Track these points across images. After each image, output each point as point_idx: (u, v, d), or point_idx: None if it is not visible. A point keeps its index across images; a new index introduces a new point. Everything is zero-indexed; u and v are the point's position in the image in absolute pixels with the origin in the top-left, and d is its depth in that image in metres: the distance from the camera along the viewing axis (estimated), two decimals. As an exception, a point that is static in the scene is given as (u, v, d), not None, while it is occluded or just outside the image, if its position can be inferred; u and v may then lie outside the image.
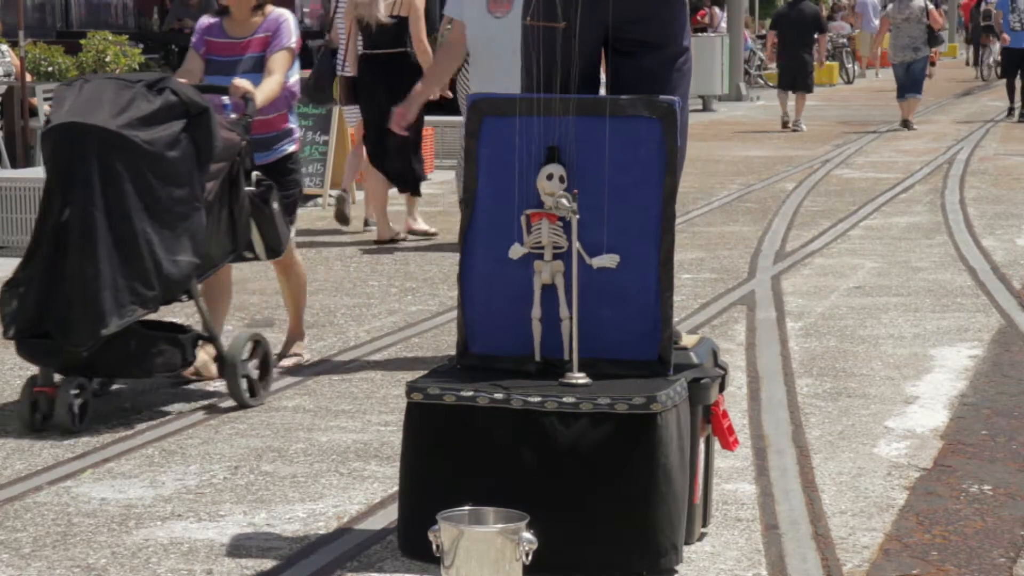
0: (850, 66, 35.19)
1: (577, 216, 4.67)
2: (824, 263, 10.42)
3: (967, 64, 39.14)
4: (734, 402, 6.44)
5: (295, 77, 7.11)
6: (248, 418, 6.44)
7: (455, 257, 4.96)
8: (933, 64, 35.17)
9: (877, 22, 38.26)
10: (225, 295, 7.30)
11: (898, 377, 7.16)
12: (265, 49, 7.04)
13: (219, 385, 6.98)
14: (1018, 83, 22.87)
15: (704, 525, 4.93)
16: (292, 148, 7.17)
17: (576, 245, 4.68)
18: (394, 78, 10.63)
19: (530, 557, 4.07)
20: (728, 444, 4.91)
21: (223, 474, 5.66)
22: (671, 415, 4.51)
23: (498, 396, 4.54)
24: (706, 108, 25.20)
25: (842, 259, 10.58)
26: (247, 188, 6.71)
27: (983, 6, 33.53)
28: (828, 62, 29.83)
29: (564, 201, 4.66)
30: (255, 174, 6.77)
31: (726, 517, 5.14)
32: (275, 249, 6.89)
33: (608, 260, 4.70)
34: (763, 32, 36.88)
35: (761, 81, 31.85)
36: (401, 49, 10.97)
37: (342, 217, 11.87)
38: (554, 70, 4.79)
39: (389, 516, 5.11)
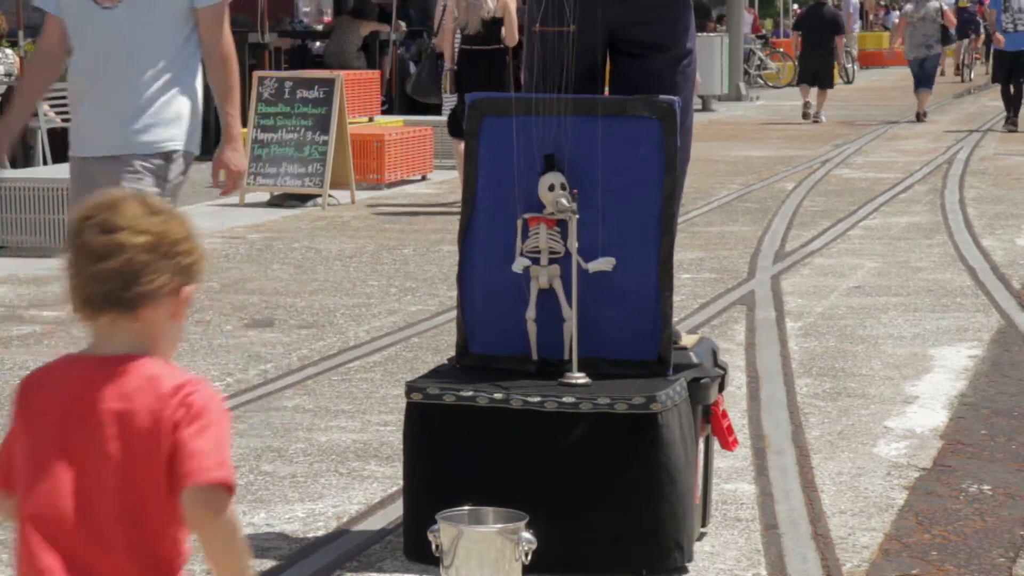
0: (850, 66, 35.21)
1: (577, 216, 4.66)
2: (824, 263, 10.41)
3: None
4: (734, 402, 6.43)
5: None
6: (248, 418, 6.44)
7: (455, 257, 4.95)
8: (979, 59, 35.90)
9: (856, 26, 38.73)
10: None
11: (898, 377, 7.16)
12: None
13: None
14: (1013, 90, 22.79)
15: (703, 525, 4.92)
16: None
17: (575, 248, 4.67)
18: (490, 69, 11.97)
19: (530, 557, 4.07)
20: (727, 444, 4.91)
21: (223, 474, 5.65)
22: (672, 415, 4.51)
23: (498, 396, 4.54)
24: (706, 108, 25.20)
25: (842, 259, 10.57)
26: None
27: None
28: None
29: (564, 201, 4.65)
30: None
31: (726, 517, 5.13)
32: None
33: (604, 264, 4.69)
34: (763, 32, 36.93)
35: (761, 81, 31.86)
36: (496, 46, 12.09)
37: None
38: (557, 72, 4.79)
39: (389, 516, 5.11)
